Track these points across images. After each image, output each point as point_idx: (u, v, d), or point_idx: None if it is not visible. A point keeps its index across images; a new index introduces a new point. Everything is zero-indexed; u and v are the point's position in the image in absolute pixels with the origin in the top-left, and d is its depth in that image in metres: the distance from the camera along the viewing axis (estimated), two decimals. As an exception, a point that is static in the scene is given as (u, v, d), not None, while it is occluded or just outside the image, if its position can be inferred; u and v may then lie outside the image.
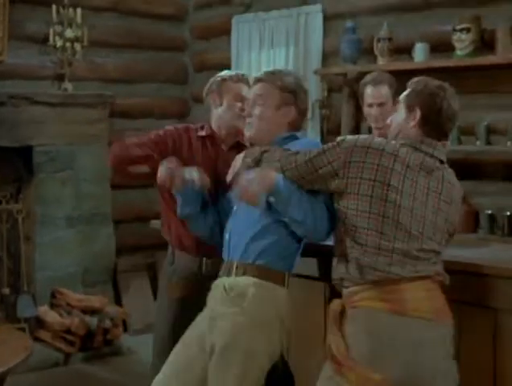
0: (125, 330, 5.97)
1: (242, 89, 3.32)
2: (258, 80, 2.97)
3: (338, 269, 2.72)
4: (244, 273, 2.83)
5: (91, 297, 5.73)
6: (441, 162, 2.73)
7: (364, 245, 2.62)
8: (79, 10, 5.92)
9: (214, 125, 3.38)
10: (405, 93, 2.81)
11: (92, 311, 5.58)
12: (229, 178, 2.97)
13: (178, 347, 2.94)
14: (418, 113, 2.72)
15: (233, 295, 2.82)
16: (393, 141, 2.72)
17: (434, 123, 2.72)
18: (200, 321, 2.94)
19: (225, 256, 2.95)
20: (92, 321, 5.48)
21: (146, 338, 6.03)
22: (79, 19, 5.92)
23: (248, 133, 2.96)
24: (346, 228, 2.67)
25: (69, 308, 5.58)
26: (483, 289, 2.84)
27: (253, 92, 2.96)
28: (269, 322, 2.79)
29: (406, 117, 2.76)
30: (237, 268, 2.85)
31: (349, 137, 2.73)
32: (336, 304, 2.72)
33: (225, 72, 3.44)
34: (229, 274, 2.87)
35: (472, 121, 4.82)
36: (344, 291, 2.71)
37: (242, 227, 2.88)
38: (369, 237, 2.61)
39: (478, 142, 4.73)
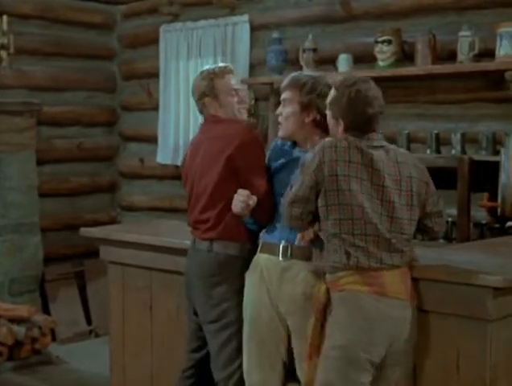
0: (54, 339, 5.93)
1: (231, 81, 3.50)
2: (286, 86, 3.27)
3: (327, 256, 2.95)
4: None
5: (19, 307, 5.66)
6: (381, 147, 2.95)
7: (345, 234, 2.86)
8: (5, 18, 5.86)
9: None
10: (328, 102, 3.04)
11: (19, 320, 5.51)
12: (236, 209, 3.29)
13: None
14: (341, 122, 2.98)
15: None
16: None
17: (358, 124, 2.95)
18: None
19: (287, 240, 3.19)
20: (20, 330, 5.41)
21: (75, 347, 6.05)
22: (5, 26, 5.86)
23: (280, 132, 3.33)
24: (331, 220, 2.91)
25: (-4, 317, 5.52)
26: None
27: (283, 96, 3.29)
28: None
29: (333, 125, 3.04)
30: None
31: None
32: (322, 291, 2.97)
33: (207, 70, 3.55)
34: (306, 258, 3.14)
35: (393, 129, 4.98)
36: (329, 276, 2.94)
37: None
38: (349, 228, 2.86)
39: (400, 150, 4.88)
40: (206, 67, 3.66)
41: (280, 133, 3.33)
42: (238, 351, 3.34)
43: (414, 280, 2.94)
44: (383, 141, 3.00)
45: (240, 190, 3.30)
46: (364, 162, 2.88)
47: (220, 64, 3.64)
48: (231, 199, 3.32)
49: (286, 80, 3.31)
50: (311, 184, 2.93)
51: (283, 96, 3.28)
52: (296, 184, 3.00)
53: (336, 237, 2.88)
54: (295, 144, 3.31)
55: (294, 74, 3.33)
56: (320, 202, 2.92)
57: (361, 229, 2.85)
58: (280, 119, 3.30)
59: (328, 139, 2.97)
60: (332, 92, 3.01)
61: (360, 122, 2.95)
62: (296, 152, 3.26)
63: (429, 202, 3.00)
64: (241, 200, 3.28)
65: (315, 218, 2.99)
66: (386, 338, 2.84)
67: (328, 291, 2.96)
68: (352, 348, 2.82)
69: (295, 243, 3.16)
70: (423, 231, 3.10)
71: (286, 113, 3.25)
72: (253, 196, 3.28)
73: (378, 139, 2.98)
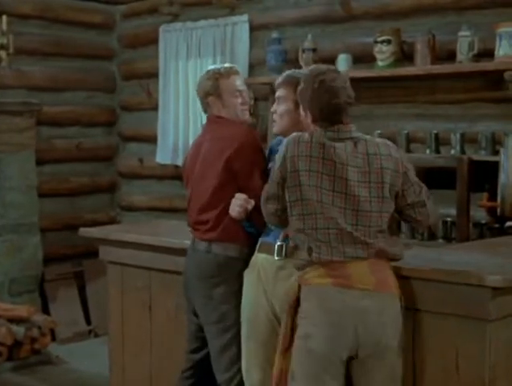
0: (53, 339, 5.93)
1: (236, 82, 3.51)
2: (280, 84, 3.29)
3: (297, 252, 2.95)
4: None
5: (18, 307, 5.66)
6: (351, 138, 2.91)
7: (309, 230, 2.86)
8: (4, 18, 5.86)
9: None
10: (297, 95, 3.06)
11: (19, 320, 5.51)
12: (233, 213, 3.29)
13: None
14: (309, 114, 2.98)
15: None
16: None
17: (325, 115, 2.93)
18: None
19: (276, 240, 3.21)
20: (20, 330, 5.41)
21: (75, 347, 6.05)
22: (5, 26, 5.86)
23: (274, 128, 3.37)
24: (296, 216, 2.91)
25: (-5, 317, 5.51)
26: (403, 290, 2.95)
27: (277, 93, 3.30)
28: None
29: (304, 117, 3.04)
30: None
31: None
32: (294, 289, 2.96)
33: (213, 70, 3.55)
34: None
35: (393, 129, 4.99)
36: (299, 272, 2.95)
37: None
38: (313, 223, 2.85)
39: (399, 150, 4.89)
40: (212, 66, 3.67)
41: (275, 129, 3.35)
42: (240, 352, 3.35)
43: (414, 280, 2.94)
44: (354, 133, 2.94)
45: (237, 195, 3.31)
46: (326, 156, 2.85)
47: (226, 65, 3.64)
48: (230, 201, 3.33)
49: (280, 78, 3.32)
50: (278, 180, 2.95)
51: (278, 93, 3.29)
52: (268, 181, 3.04)
53: (301, 233, 2.89)
54: None
55: (288, 72, 3.35)
56: (286, 198, 2.93)
57: (323, 224, 2.84)
58: (275, 117, 3.32)
59: (293, 134, 2.97)
60: (301, 84, 3.01)
61: (326, 113, 2.92)
62: None
63: (409, 192, 2.95)
64: (239, 204, 3.29)
65: None
66: (352, 331, 2.80)
67: (300, 287, 2.95)
68: (313, 339, 2.81)
69: (278, 241, 3.18)
70: (408, 221, 3.09)
71: (281, 111, 3.26)
72: (251, 200, 3.28)
73: (348, 131, 2.93)
